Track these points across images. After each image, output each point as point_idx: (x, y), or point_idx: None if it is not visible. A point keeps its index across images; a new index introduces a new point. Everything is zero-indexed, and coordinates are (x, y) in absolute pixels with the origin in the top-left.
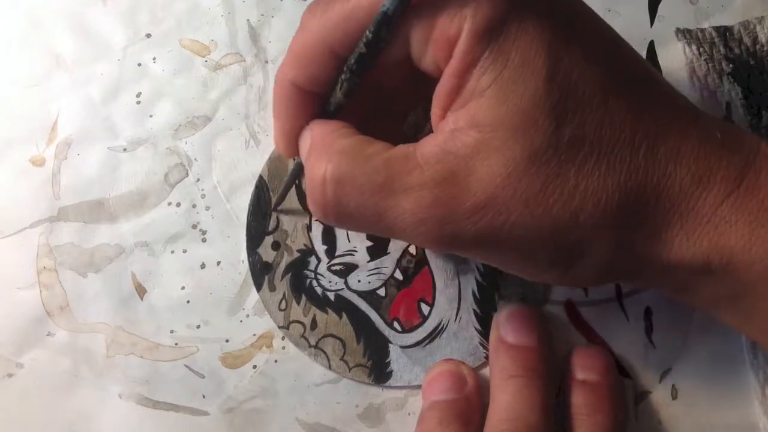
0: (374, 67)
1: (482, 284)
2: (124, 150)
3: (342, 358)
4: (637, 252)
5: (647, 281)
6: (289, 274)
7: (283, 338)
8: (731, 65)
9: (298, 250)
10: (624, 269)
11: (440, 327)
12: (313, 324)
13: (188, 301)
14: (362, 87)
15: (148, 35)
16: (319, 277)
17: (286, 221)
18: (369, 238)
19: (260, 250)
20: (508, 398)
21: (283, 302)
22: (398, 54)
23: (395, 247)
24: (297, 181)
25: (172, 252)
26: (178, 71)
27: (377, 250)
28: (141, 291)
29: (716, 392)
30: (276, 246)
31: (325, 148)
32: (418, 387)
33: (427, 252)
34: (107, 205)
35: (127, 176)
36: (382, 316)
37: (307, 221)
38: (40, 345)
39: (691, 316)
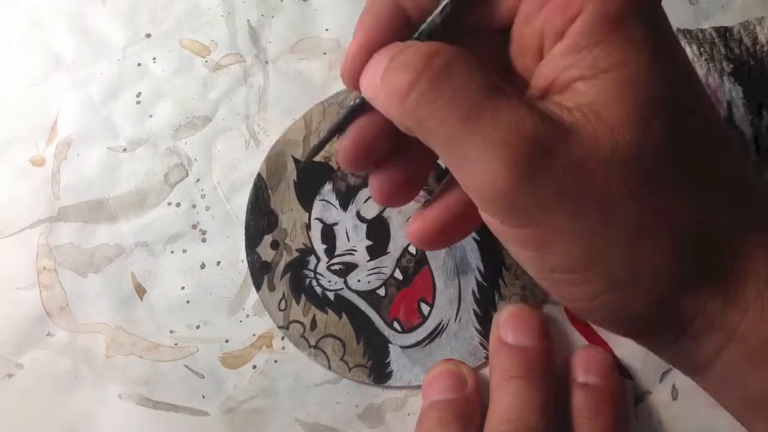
0: (470, 18)
1: (482, 284)
2: (124, 150)
3: (342, 359)
4: (704, 302)
5: (696, 355)
6: (289, 273)
7: (282, 338)
8: (731, 65)
9: (297, 249)
10: (682, 321)
11: (440, 327)
12: (313, 324)
13: (188, 301)
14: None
15: (148, 35)
16: (318, 276)
17: (284, 219)
18: (369, 237)
19: (259, 249)
20: (508, 399)
21: (283, 302)
22: (505, 9)
23: (395, 246)
24: (338, 135)
25: (172, 252)
26: (178, 71)
27: (377, 249)
28: (141, 291)
29: None
30: (275, 245)
31: (431, 47)
32: (418, 387)
33: (428, 252)
34: (107, 205)
35: (127, 176)
36: (381, 316)
37: (306, 220)
38: (40, 345)
39: None
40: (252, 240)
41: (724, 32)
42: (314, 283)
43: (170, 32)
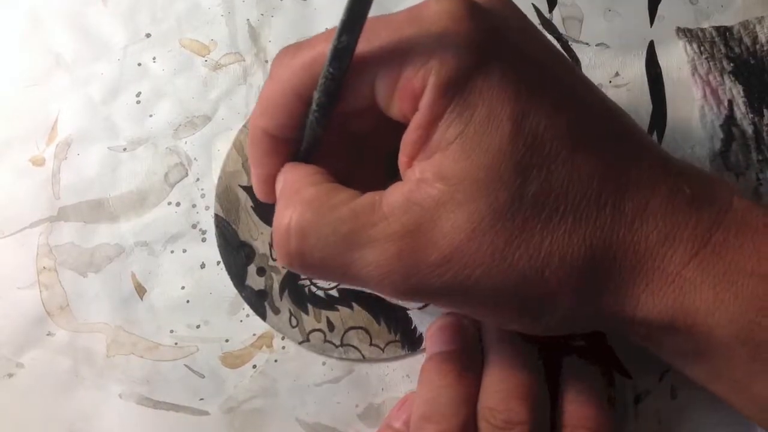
0: (341, 110)
1: None
2: (124, 150)
3: (372, 344)
4: (603, 307)
5: (614, 331)
6: (286, 291)
7: (283, 338)
8: (732, 64)
9: (283, 267)
10: (591, 322)
11: None
12: (330, 326)
13: (188, 301)
14: (338, 133)
15: (148, 35)
16: (314, 281)
17: (259, 245)
18: None
19: (249, 282)
20: (500, 360)
21: (293, 319)
22: (365, 100)
23: None
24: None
25: (172, 252)
26: (178, 71)
27: None
28: (141, 291)
29: None
30: (261, 272)
31: (292, 196)
32: None
33: None
34: (107, 204)
35: (127, 176)
36: None
37: None
38: (40, 345)
39: None
40: (238, 277)
41: (724, 31)
42: (313, 289)
43: (170, 32)
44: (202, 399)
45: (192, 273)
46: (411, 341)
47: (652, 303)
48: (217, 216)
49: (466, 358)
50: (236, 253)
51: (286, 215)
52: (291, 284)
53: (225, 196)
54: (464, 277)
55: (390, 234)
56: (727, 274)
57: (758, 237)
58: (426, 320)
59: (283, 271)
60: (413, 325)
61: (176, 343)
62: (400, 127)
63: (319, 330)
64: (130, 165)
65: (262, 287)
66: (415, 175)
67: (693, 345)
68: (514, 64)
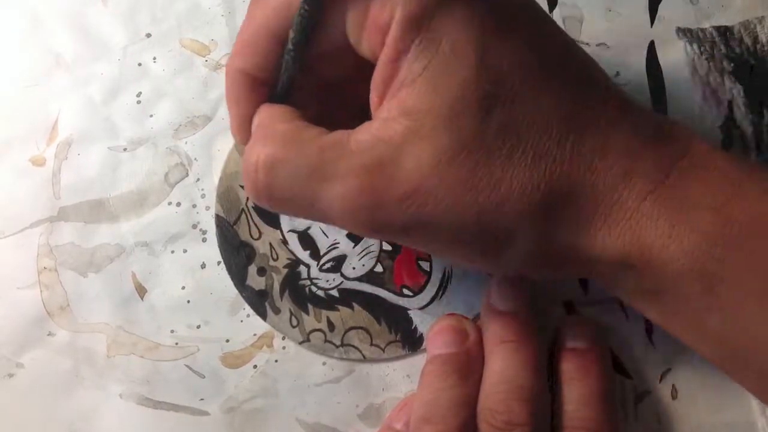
0: (317, 51)
1: None
2: (125, 150)
3: (372, 344)
4: (561, 244)
5: (576, 272)
6: (286, 291)
7: (283, 338)
8: (732, 64)
9: (284, 266)
10: (550, 260)
11: (446, 275)
12: (331, 326)
13: (189, 301)
14: (314, 80)
15: (148, 35)
16: (315, 281)
17: (260, 245)
18: None
19: (249, 282)
20: (500, 363)
21: (293, 319)
22: (337, 39)
23: None
24: None
25: (173, 252)
26: (178, 71)
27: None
28: (141, 291)
29: (715, 392)
30: (262, 272)
31: (264, 132)
32: None
33: None
34: (107, 205)
35: (127, 176)
36: (389, 290)
37: (280, 236)
38: (41, 345)
39: None
40: (238, 277)
41: (724, 31)
42: (314, 288)
43: (170, 32)
44: (202, 399)
45: (192, 273)
46: (412, 341)
47: (609, 239)
48: (217, 216)
49: (467, 360)
50: (237, 253)
51: (255, 151)
52: (291, 284)
53: (226, 196)
54: (427, 212)
55: (356, 169)
56: (683, 208)
57: (714, 175)
58: (427, 320)
59: (284, 272)
60: (414, 325)
61: (176, 343)
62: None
63: (320, 330)
64: (130, 165)
65: (263, 287)
66: (383, 113)
67: (649, 283)
68: (480, 0)
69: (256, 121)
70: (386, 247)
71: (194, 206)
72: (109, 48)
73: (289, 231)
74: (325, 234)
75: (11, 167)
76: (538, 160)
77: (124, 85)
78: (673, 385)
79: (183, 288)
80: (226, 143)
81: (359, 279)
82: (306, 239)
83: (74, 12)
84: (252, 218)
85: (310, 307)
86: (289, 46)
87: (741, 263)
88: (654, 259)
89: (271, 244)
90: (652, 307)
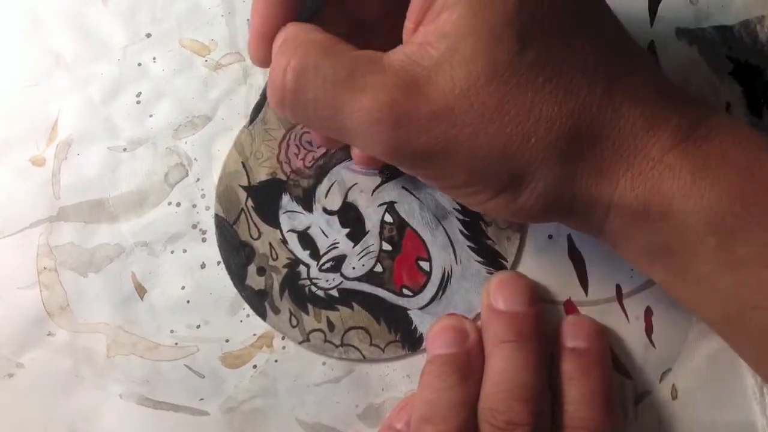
0: None
1: (465, 220)
2: (124, 150)
3: (372, 344)
4: (581, 186)
5: (588, 224)
6: (286, 291)
7: (283, 338)
8: (732, 65)
9: (284, 266)
10: (567, 204)
11: (446, 275)
12: (330, 326)
13: (188, 301)
14: (345, 22)
15: (148, 35)
16: (314, 281)
17: (259, 245)
18: (344, 226)
19: (249, 282)
20: (500, 363)
21: (293, 319)
22: None
23: (371, 223)
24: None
25: (172, 252)
26: (178, 71)
27: (356, 233)
28: (141, 291)
29: (715, 392)
30: (261, 272)
31: (295, 40)
32: None
33: (405, 212)
34: (107, 205)
35: (127, 176)
36: (389, 290)
37: (279, 236)
38: (41, 345)
39: (691, 317)
40: (238, 277)
41: (724, 31)
42: (313, 288)
43: (170, 32)
44: (202, 399)
45: (192, 273)
46: (411, 341)
47: (630, 186)
48: (217, 216)
49: (467, 361)
50: (236, 253)
51: (285, 57)
52: (291, 284)
53: (225, 196)
54: (451, 136)
55: (386, 83)
56: (706, 163)
57: (739, 138)
58: (427, 320)
59: (284, 271)
60: (413, 325)
61: (176, 343)
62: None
63: (320, 330)
64: (130, 165)
65: (263, 287)
66: (419, 39)
67: (662, 237)
68: None
69: (281, 36)
70: (386, 247)
71: (194, 206)
72: (109, 48)
73: (289, 231)
74: (324, 234)
75: (11, 167)
76: (568, 98)
77: (124, 85)
78: (673, 385)
79: (183, 288)
80: (225, 143)
81: (359, 279)
82: (306, 239)
83: (74, 12)
84: (251, 218)
85: (309, 307)
86: None
87: (760, 221)
88: (672, 211)
89: (270, 244)
90: (661, 266)
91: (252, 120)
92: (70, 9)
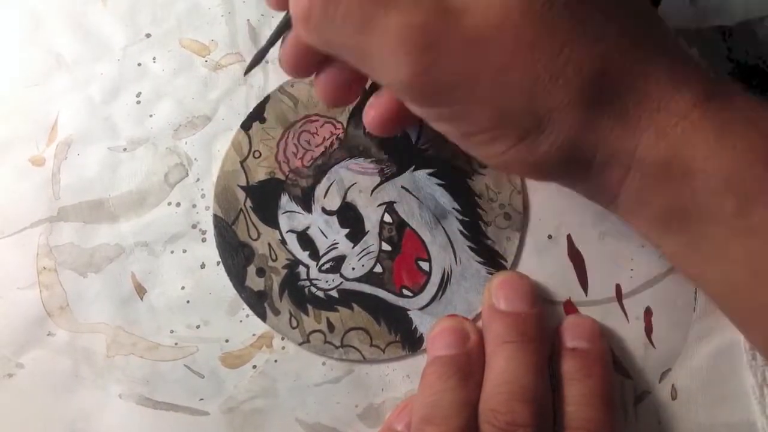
0: None
1: (465, 220)
2: (124, 150)
3: (372, 344)
4: (603, 137)
5: (603, 187)
6: (285, 292)
7: (283, 338)
8: (732, 65)
9: (283, 267)
10: (586, 160)
11: (446, 275)
12: (330, 327)
13: (188, 301)
14: None
15: (148, 35)
16: (314, 282)
17: (258, 246)
18: (343, 226)
19: (248, 283)
20: (502, 363)
21: (293, 320)
22: None
23: (371, 223)
24: (281, 39)
25: (172, 252)
26: (178, 71)
27: (356, 233)
28: (141, 291)
29: (715, 393)
30: (261, 273)
31: None
32: None
33: (404, 212)
34: (107, 205)
35: (127, 176)
36: (389, 290)
37: (278, 237)
38: (41, 345)
39: (691, 317)
40: (237, 278)
41: (724, 31)
42: (313, 289)
43: (170, 32)
44: (201, 399)
45: (192, 273)
46: (412, 342)
47: (654, 141)
48: (215, 216)
49: (468, 362)
50: (235, 254)
51: None
52: (291, 285)
53: (223, 196)
54: (480, 67)
55: (420, 3)
56: (729, 123)
57: (759, 103)
58: (427, 321)
59: (283, 272)
60: (414, 326)
61: (176, 344)
62: None
63: (319, 331)
64: (130, 165)
65: (262, 288)
66: None
67: (680, 199)
68: None
69: None
70: (385, 247)
71: (194, 206)
72: (109, 48)
73: (288, 231)
74: (324, 234)
75: (11, 167)
76: (598, 42)
77: (124, 86)
78: (673, 385)
79: (182, 288)
80: (225, 143)
81: (359, 279)
82: (305, 239)
83: (74, 12)
84: (250, 218)
85: (309, 308)
86: None
87: None
88: (693, 171)
89: (270, 245)
90: (674, 233)
91: (252, 67)
92: (70, 9)
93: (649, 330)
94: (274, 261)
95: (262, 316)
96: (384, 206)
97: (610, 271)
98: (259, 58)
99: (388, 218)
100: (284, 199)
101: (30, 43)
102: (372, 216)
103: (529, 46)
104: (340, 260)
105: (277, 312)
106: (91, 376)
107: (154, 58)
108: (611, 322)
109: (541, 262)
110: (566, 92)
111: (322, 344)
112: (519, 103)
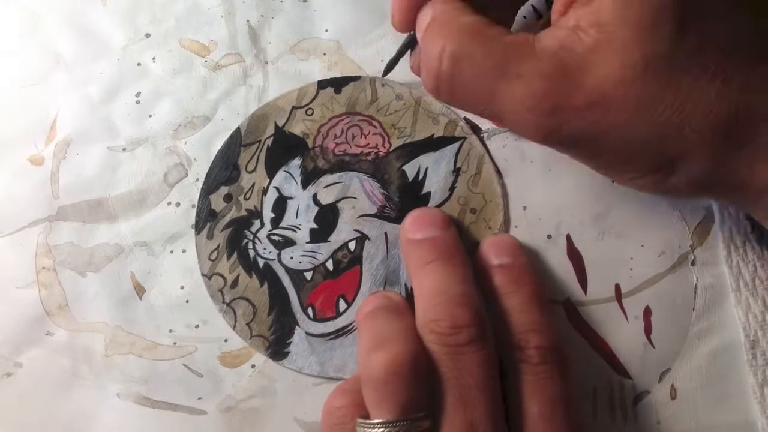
0: None
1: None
2: (124, 150)
3: (248, 324)
4: (737, 170)
5: (741, 202)
6: (230, 228)
7: None
8: None
9: (246, 209)
10: (720, 186)
11: (349, 328)
12: (234, 283)
13: (187, 301)
14: None
15: (148, 35)
16: (256, 240)
17: (246, 178)
18: (316, 221)
19: (212, 197)
20: (430, 280)
21: (215, 253)
22: None
23: (337, 238)
24: (409, 51)
25: (172, 252)
26: (177, 71)
27: (319, 234)
28: (140, 290)
29: (715, 392)
30: (228, 198)
31: (447, 24)
32: (309, 375)
33: (367, 253)
34: (106, 204)
35: (126, 176)
36: (300, 298)
37: (265, 185)
38: (39, 344)
39: (690, 317)
40: (209, 187)
41: None
42: (250, 245)
43: (170, 32)
44: (200, 398)
45: (191, 273)
46: (277, 350)
47: None
48: (237, 129)
49: (399, 306)
50: (224, 169)
51: (440, 41)
52: (239, 227)
53: (257, 120)
54: (606, 124)
55: (540, 72)
56: None
57: None
58: (303, 347)
59: (242, 214)
60: (290, 340)
61: (175, 343)
62: None
63: (224, 278)
64: (129, 165)
65: (218, 210)
66: (570, 22)
67: None
68: None
69: (429, 13)
70: (329, 265)
71: (193, 206)
72: (109, 48)
73: (274, 187)
74: (297, 214)
75: (10, 167)
76: (726, 85)
77: (124, 85)
78: (673, 385)
79: (182, 288)
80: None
81: (287, 270)
82: (281, 204)
83: (74, 12)
84: (260, 153)
85: (235, 255)
86: None
87: None
88: None
89: (254, 185)
90: None
91: (387, 72)
92: (70, 9)
93: (648, 330)
94: (245, 199)
95: (198, 230)
96: (358, 235)
97: (610, 270)
98: (390, 67)
99: (352, 246)
100: (295, 162)
101: (30, 43)
102: (343, 233)
103: (651, 101)
104: (288, 243)
105: (211, 237)
106: (90, 376)
107: (153, 58)
108: (610, 321)
109: (540, 262)
110: (695, 137)
111: (216, 290)
112: (644, 149)
